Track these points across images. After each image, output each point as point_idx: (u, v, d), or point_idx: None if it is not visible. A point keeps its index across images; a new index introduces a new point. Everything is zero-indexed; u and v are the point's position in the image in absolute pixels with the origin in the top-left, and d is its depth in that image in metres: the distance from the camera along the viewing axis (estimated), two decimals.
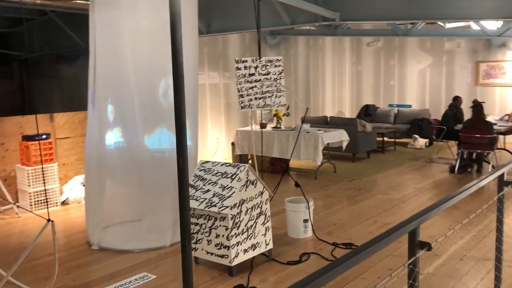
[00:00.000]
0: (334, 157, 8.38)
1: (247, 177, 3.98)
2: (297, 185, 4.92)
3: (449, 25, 8.68)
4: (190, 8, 4.65)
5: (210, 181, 4.09)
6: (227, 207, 3.80)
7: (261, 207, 4.14)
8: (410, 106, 11.86)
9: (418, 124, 10.58)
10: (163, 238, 4.70)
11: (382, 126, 10.61)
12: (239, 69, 5.40)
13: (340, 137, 7.78)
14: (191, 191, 4.14)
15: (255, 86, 5.45)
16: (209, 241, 4.00)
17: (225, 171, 4.07)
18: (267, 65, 5.48)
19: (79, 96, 9.86)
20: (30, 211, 3.09)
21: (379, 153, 9.65)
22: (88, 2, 6.38)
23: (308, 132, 7.55)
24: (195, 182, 4.20)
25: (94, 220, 4.71)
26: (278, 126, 8.32)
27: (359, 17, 5.61)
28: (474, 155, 7.83)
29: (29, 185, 6.10)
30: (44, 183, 6.00)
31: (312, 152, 7.34)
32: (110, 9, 4.61)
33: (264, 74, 5.48)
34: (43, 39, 10.10)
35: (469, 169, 7.72)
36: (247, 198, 3.99)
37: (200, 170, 4.27)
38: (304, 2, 5.30)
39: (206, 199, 3.99)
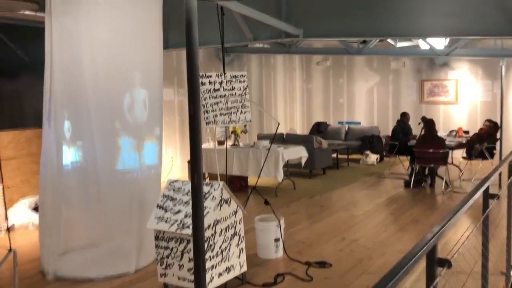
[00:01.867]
0: (292, 173, 8.35)
1: (221, 196, 3.80)
2: (266, 202, 4.79)
3: (399, 44, 9.01)
4: (156, 17, 4.46)
5: (181, 201, 3.87)
6: None
7: (235, 227, 3.97)
8: (359, 123, 12.15)
9: (369, 141, 10.84)
10: (126, 264, 4.38)
11: (334, 143, 10.76)
12: (204, 84, 5.24)
13: (299, 153, 7.76)
14: (160, 212, 3.90)
15: (220, 102, 5.31)
16: (181, 266, 3.76)
17: None
18: (232, 80, 5.37)
19: (23, 113, 9.25)
20: None
21: (334, 169, 9.75)
22: (39, 14, 6.02)
23: (268, 148, 7.46)
24: (164, 203, 3.96)
25: (49, 247, 4.32)
26: (236, 143, 8.19)
27: (322, 34, 5.66)
28: (426, 170, 8.07)
29: None
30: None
31: (273, 169, 7.26)
32: (68, 19, 4.32)
33: (229, 90, 5.35)
34: None
35: (423, 184, 7.95)
36: (221, 218, 3.81)
37: (169, 190, 4.03)
38: (268, 17, 5.26)
39: (177, 220, 3.76)
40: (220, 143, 8.23)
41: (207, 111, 5.26)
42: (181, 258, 3.75)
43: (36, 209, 6.33)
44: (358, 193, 7.66)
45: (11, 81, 9.43)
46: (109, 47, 4.36)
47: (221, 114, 5.33)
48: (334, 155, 9.80)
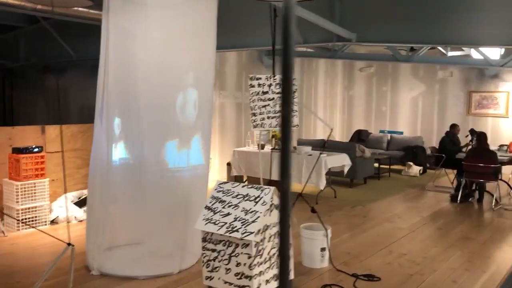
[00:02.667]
0: (332, 182, 8.17)
1: (271, 201, 3.69)
2: (313, 210, 4.66)
3: (450, 53, 8.71)
4: (210, 18, 4.41)
5: (230, 204, 3.78)
6: (251, 233, 3.50)
7: None
8: (402, 133, 11.83)
9: (413, 151, 10.52)
10: (170, 265, 4.33)
11: (375, 152, 10.50)
12: (253, 86, 5.16)
13: (343, 161, 7.59)
14: (208, 213, 3.82)
15: (268, 105, 5.21)
16: (227, 270, 3.67)
17: (247, 193, 3.78)
18: (281, 83, 5.25)
19: (68, 109, 9.44)
20: (49, 234, 2.73)
21: (375, 179, 9.49)
22: (91, 11, 6.09)
23: (310, 155, 7.33)
24: (212, 204, 3.88)
25: (95, 243, 4.32)
26: (277, 147, 8.07)
27: (376, 39, 5.49)
28: (474, 185, 7.74)
29: (17, 202, 5.64)
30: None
31: (315, 176, 7.11)
32: (124, 18, 4.33)
33: (277, 93, 5.25)
34: (31, 48, 9.67)
35: (471, 199, 7.62)
36: (270, 224, 3.70)
37: (218, 191, 3.96)
38: (324, 20, 5.14)
39: (226, 223, 3.67)
40: (260, 147, 8.14)
41: (254, 114, 5.18)
42: (229, 262, 3.65)
43: (78, 203, 6.40)
44: (402, 205, 7.41)
45: (58, 77, 9.65)
46: (163, 47, 4.34)
47: (268, 118, 5.23)
48: (376, 165, 9.55)
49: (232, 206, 3.76)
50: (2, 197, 5.90)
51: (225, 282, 3.70)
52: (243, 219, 3.62)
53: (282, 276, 1.95)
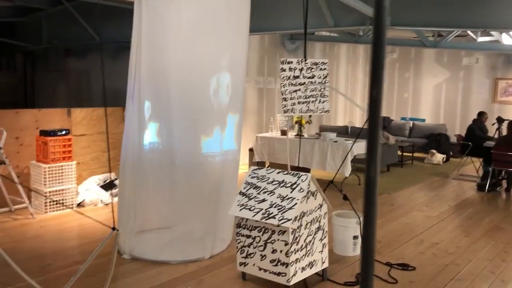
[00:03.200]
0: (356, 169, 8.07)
1: (308, 188, 3.63)
2: (345, 198, 4.57)
3: (480, 39, 8.48)
4: (245, 1, 4.30)
5: (266, 190, 3.72)
6: (289, 219, 3.44)
7: (319, 221, 3.79)
8: (424, 120, 11.64)
9: (436, 139, 10.35)
10: (201, 250, 4.30)
11: (397, 140, 10.35)
12: (284, 70, 5.05)
13: None
14: (243, 199, 3.77)
15: (299, 90, 5.10)
16: (263, 256, 3.63)
17: (283, 180, 3.71)
18: (312, 68, 5.14)
19: (91, 92, 9.42)
20: (93, 218, 2.69)
21: (398, 167, 9.37)
22: None
23: (336, 141, 7.23)
24: (247, 190, 3.83)
25: (126, 226, 4.30)
26: (301, 133, 7.98)
27: (411, 23, 5.33)
28: (502, 174, 7.59)
29: (45, 184, 5.65)
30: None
31: (339, 163, 7.01)
32: (158, 2, 4.23)
33: (309, 77, 5.14)
34: (53, 31, 9.63)
35: (498, 188, 7.47)
36: (307, 211, 3.64)
37: (252, 177, 3.90)
38: (361, 3, 4.98)
39: (261, 209, 3.62)
40: (283, 132, 8.05)
41: (285, 99, 5.07)
42: (264, 248, 3.61)
43: (104, 186, 6.40)
44: (428, 194, 7.30)
45: (80, 60, 9.61)
46: (196, 30, 4.24)
47: (299, 103, 5.13)
48: (398, 152, 9.40)
49: (268, 192, 3.70)
50: (30, 179, 5.92)
51: (260, 269, 3.66)
52: (280, 205, 3.56)
53: (366, 269, 1.87)
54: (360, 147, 7.24)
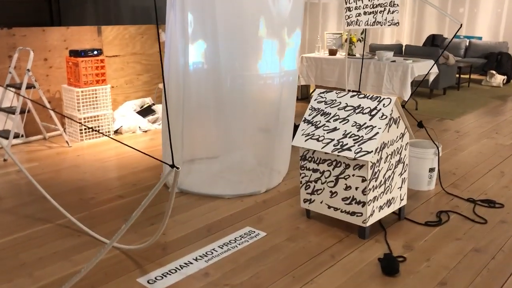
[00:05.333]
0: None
1: (391, 114, 3.02)
2: (420, 125, 3.95)
3: None
4: None
5: (337, 117, 3.13)
6: (368, 152, 2.88)
7: (400, 153, 3.22)
8: (480, 38, 10.56)
9: (496, 59, 9.38)
10: (256, 183, 3.84)
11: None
12: None
13: (428, 68, 6.68)
14: (308, 128, 3.21)
15: None
16: (333, 193, 3.12)
17: (359, 105, 3.11)
18: None
19: (119, 8, 8.69)
20: (149, 155, 2.19)
21: (454, 90, 8.57)
22: None
23: (393, 61, 6.46)
24: (312, 117, 3.25)
25: (174, 156, 3.82)
26: (352, 53, 7.21)
27: None
28: None
29: (78, 110, 5.20)
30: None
31: (398, 85, 6.30)
32: None
33: None
34: None
35: None
36: (388, 142, 3.06)
37: (319, 102, 3.30)
38: None
39: (333, 140, 3.06)
40: (332, 52, 7.29)
41: (349, 8, 4.33)
42: (335, 184, 3.09)
43: (141, 112, 5.94)
44: (495, 119, 6.57)
45: None
46: None
47: (365, 13, 4.37)
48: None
49: (340, 120, 3.11)
50: (62, 105, 5.48)
51: (329, 207, 3.17)
52: (356, 135, 2.98)
53: None
54: (421, 68, 6.48)
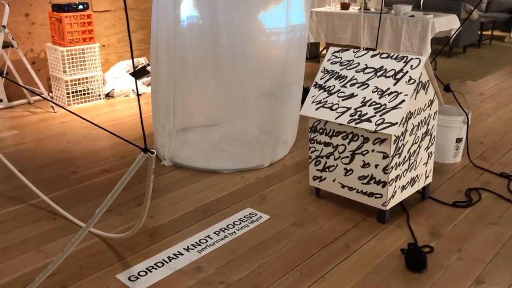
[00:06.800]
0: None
1: (419, 78, 2.52)
2: (447, 88, 3.44)
3: None
4: None
5: (355, 81, 2.64)
6: (393, 124, 2.40)
7: (428, 124, 2.74)
8: None
9: None
10: (259, 155, 3.39)
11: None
12: None
13: (451, 24, 6.08)
14: (320, 94, 2.73)
15: None
16: (348, 171, 2.68)
17: (381, 66, 2.61)
18: None
19: None
20: (119, 136, 1.72)
21: (475, 48, 7.94)
22: None
23: (412, 16, 5.85)
24: (325, 82, 2.76)
25: (165, 126, 3.38)
26: (366, 7, 6.59)
27: None
28: None
29: (64, 71, 4.72)
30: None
31: (417, 43, 5.73)
32: None
33: None
34: None
35: None
36: (415, 111, 2.58)
37: (333, 63, 2.80)
38: None
39: (349, 108, 2.58)
40: (344, 6, 6.66)
41: None
42: (351, 161, 2.64)
43: (134, 73, 5.44)
44: None
45: None
46: None
47: None
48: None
49: (358, 85, 2.62)
50: (47, 66, 4.99)
51: (343, 186, 2.73)
52: (378, 103, 2.50)
53: None
54: (443, 23, 5.88)
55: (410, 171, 2.69)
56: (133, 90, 5.22)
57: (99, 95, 4.98)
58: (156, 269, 2.24)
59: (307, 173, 2.96)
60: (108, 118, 4.54)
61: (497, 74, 6.25)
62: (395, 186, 2.60)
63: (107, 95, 5.13)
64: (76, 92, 4.83)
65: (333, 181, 2.78)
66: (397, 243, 2.46)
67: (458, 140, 3.40)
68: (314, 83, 2.79)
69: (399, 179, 2.62)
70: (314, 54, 7.19)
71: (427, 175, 2.87)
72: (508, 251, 2.39)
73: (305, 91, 3.88)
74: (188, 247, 2.41)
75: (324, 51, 7.28)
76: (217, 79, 3.51)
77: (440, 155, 3.43)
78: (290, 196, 2.98)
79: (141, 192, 3.01)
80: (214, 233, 2.54)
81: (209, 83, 3.58)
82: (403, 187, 2.68)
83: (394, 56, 2.59)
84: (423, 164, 2.80)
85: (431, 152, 2.84)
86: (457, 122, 3.34)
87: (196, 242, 2.45)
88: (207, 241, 2.47)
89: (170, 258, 2.32)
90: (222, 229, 2.58)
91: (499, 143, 3.85)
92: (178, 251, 2.38)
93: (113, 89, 5.11)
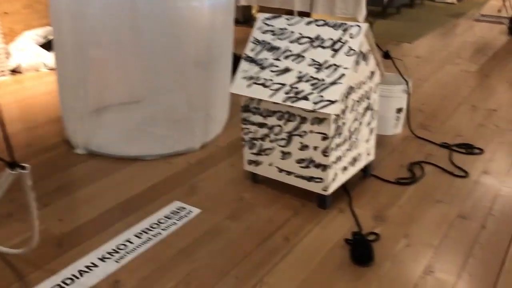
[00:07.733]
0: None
1: (360, 48, 2.25)
2: (386, 56, 3.22)
3: None
4: None
5: (289, 53, 2.33)
6: (332, 102, 2.14)
7: (369, 98, 2.51)
8: None
9: None
10: (190, 137, 3.04)
11: None
12: None
13: None
14: (251, 68, 2.40)
15: None
16: (285, 154, 2.40)
17: (318, 35, 2.30)
18: None
19: None
20: None
21: (408, 8, 7.87)
22: None
23: None
24: (256, 54, 2.43)
25: (75, 108, 2.93)
26: None
27: None
28: None
29: None
30: None
31: (351, 4, 5.48)
32: None
33: None
34: None
35: None
36: (355, 85, 2.32)
37: (265, 32, 2.47)
38: None
39: (284, 85, 2.28)
40: None
41: None
42: (288, 143, 2.37)
43: (46, 45, 4.83)
44: (455, 41, 5.98)
45: None
46: None
47: None
48: None
49: (293, 57, 2.32)
50: None
51: (281, 170, 2.47)
52: (315, 79, 2.22)
53: None
54: None
55: (351, 150, 2.46)
56: (44, 64, 4.62)
57: (2, 70, 4.35)
58: (64, 287, 1.88)
59: (243, 155, 2.66)
60: (15, 97, 3.97)
61: (431, 36, 6.19)
62: (335, 169, 2.36)
63: (14, 71, 4.50)
64: None
65: (270, 165, 2.50)
66: (340, 232, 2.25)
67: (399, 111, 3.22)
68: (244, 55, 2.45)
69: (340, 160, 2.38)
70: (247, 17, 6.79)
71: (368, 153, 2.66)
72: (454, 232, 2.24)
73: (236, 59, 3.53)
74: (103, 256, 2.06)
75: (258, 14, 6.88)
76: (135, 49, 3.08)
77: (380, 126, 3.21)
78: (224, 183, 2.67)
79: (53, 187, 2.58)
80: (135, 236, 2.20)
81: (127, 54, 3.15)
82: (344, 168, 2.45)
83: (332, 24, 2.30)
84: (365, 141, 2.58)
85: (372, 128, 2.63)
86: (397, 91, 3.15)
87: (113, 249, 2.10)
88: (126, 246, 2.13)
89: (82, 272, 1.96)
90: (145, 230, 2.24)
91: (437, 109, 3.73)
92: (92, 263, 2.02)
93: (19, 64, 4.48)
